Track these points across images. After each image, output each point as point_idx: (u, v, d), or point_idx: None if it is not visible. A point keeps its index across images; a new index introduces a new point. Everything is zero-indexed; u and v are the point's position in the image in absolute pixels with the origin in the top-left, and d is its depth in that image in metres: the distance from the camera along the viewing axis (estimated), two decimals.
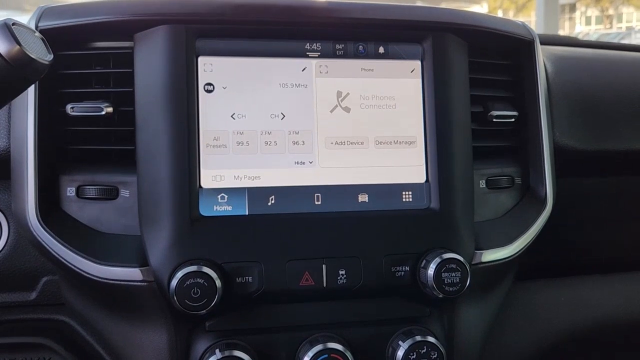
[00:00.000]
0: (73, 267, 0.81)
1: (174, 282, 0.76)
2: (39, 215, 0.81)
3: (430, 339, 0.84)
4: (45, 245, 0.82)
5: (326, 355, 0.81)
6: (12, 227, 0.91)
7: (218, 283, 0.77)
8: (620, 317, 1.07)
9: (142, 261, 0.81)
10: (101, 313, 0.88)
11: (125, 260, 0.81)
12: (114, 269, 0.80)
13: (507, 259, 0.92)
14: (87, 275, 0.81)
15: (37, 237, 0.82)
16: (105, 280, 0.81)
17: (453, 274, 0.83)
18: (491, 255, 0.91)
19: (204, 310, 0.77)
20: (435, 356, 0.84)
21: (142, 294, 0.81)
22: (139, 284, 0.80)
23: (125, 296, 0.83)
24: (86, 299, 0.89)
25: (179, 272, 0.77)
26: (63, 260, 0.81)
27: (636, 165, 1.14)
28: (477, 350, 0.94)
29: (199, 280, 0.76)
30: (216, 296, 0.77)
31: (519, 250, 0.93)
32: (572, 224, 1.14)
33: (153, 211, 0.81)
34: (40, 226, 0.81)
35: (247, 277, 0.81)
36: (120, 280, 0.80)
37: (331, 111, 0.87)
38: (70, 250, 0.81)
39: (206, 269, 0.77)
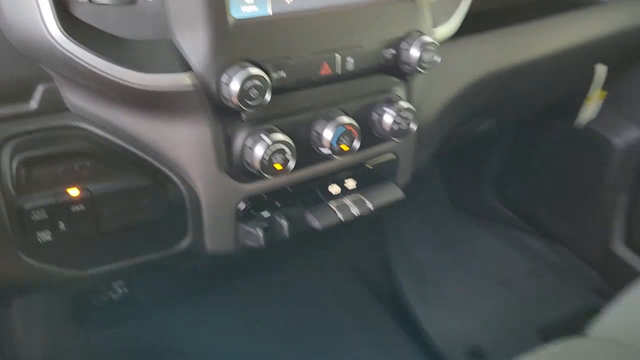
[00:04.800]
0: (111, 77, 0.78)
1: (234, 85, 0.82)
2: (59, 24, 0.75)
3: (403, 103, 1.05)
4: (73, 58, 0.76)
5: (344, 129, 0.99)
6: None
7: (268, 80, 0.85)
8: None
9: (183, 66, 0.82)
10: (126, 113, 0.87)
11: (166, 66, 0.81)
12: (161, 76, 0.81)
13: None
14: (127, 85, 0.80)
15: (61, 49, 0.75)
16: (150, 89, 0.81)
17: (430, 54, 1.02)
18: (442, 31, 1.10)
19: (256, 105, 0.86)
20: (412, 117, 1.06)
21: (187, 97, 0.84)
22: (186, 89, 0.83)
23: (164, 100, 0.84)
24: (101, 102, 0.86)
25: (235, 76, 0.82)
26: (97, 72, 0.77)
27: None
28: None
29: (256, 82, 0.83)
30: (266, 91, 0.86)
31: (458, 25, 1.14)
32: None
33: (185, 16, 0.81)
34: (63, 36, 0.75)
35: (280, 72, 0.90)
36: (168, 87, 0.82)
37: None
38: (104, 59, 0.77)
39: (256, 70, 0.83)
